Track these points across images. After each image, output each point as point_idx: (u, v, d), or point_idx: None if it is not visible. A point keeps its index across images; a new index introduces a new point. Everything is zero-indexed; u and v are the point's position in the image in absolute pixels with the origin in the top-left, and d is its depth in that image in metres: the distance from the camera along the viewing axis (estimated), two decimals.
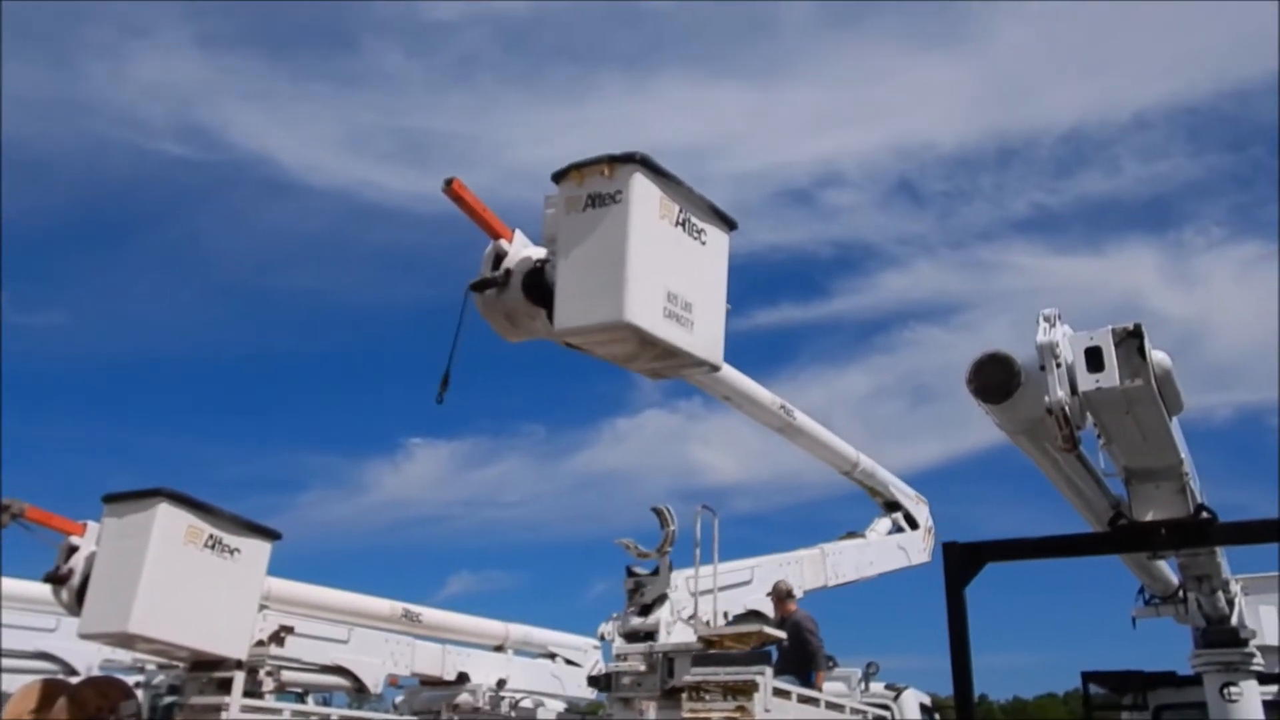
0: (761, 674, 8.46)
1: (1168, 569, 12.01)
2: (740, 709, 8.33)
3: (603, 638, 9.60)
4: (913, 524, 14.64)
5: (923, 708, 14.32)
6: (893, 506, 14.59)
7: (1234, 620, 11.39)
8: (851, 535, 13.86)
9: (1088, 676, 12.79)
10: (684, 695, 8.61)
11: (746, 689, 8.42)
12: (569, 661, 15.13)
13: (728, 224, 6.55)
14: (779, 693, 8.69)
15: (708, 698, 8.63)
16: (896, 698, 13.38)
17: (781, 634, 9.49)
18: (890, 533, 14.37)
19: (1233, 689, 10.85)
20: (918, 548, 14.58)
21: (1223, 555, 10.51)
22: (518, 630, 14.53)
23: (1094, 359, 6.73)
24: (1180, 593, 12.40)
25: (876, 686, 13.66)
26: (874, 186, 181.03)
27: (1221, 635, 11.14)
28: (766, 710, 8.36)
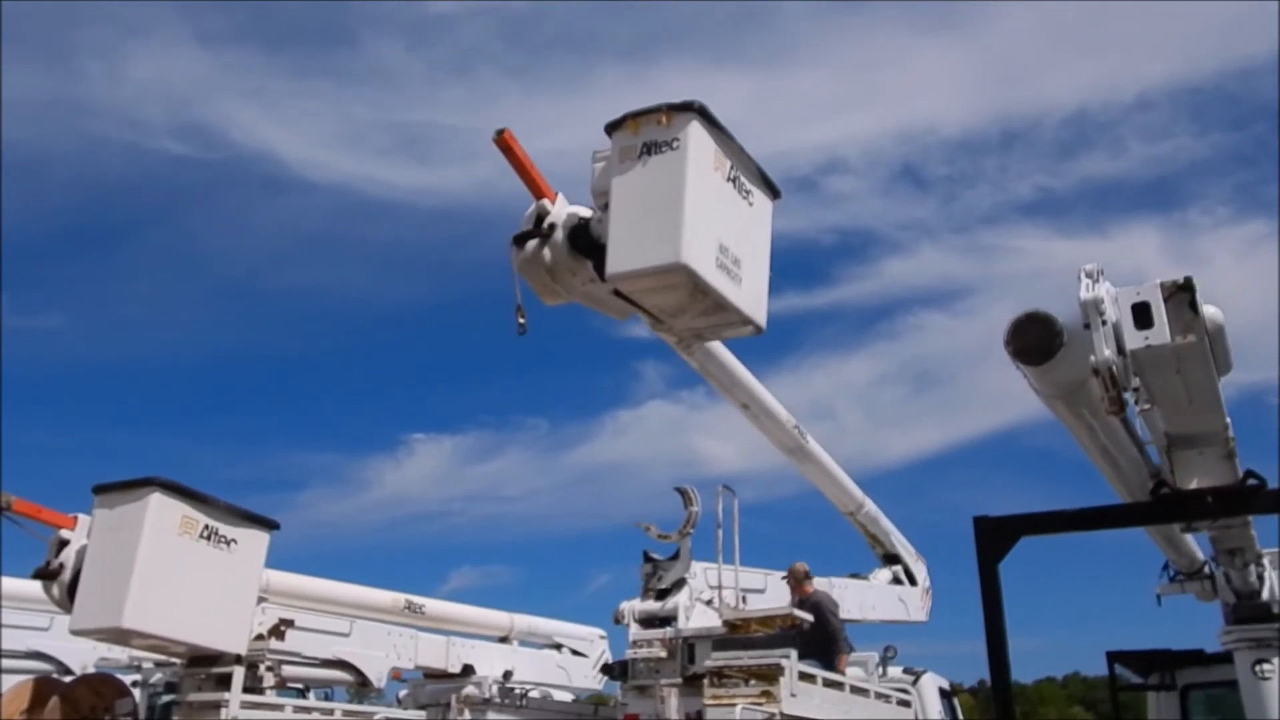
0: (786, 657, 8.12)
1: (1194, 543, 11.72)
2: (765, 694, 7.99)
3: (617, 620, 9.26)
4: (911, 580, 14.62)
5: (941, 692, 14.03)
6: (892, 559, 14.57)
7: (1265, 595, 11.11)
8: (855, 576, 13.82)
9: (1113, 656, 12.48)
10: (706, 681, 8.26)
11: (771, 674, 8.08)
12: (575, 652, 14.77)
13: (773, 191, 6.56)
14: (804, 677, 8.35)
15: (730, 683, 8.27)
16: (915, 682, 13.05)
17: (809, 616, 9.13)
18: (890, 583, 14.35)
19: (1265, 666, 10.57)
20: (917, 605, 14.63)
21: (1254, 528, 10.21)
22: (522, 621, 14.17)
23: (1142, 315, 6.35)
24: (1205, 568, 12.12)
25: (894, 670, 13.35)
26: (876, 172, 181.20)
27: (1253, 610, 10.89)
28: (792, 695, 8.03)
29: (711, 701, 8.08)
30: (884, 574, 14.36)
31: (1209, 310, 6.47)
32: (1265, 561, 11.21)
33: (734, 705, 7.91)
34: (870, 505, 13.72)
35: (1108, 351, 6.32)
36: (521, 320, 6.39)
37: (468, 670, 12.67)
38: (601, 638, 15.10)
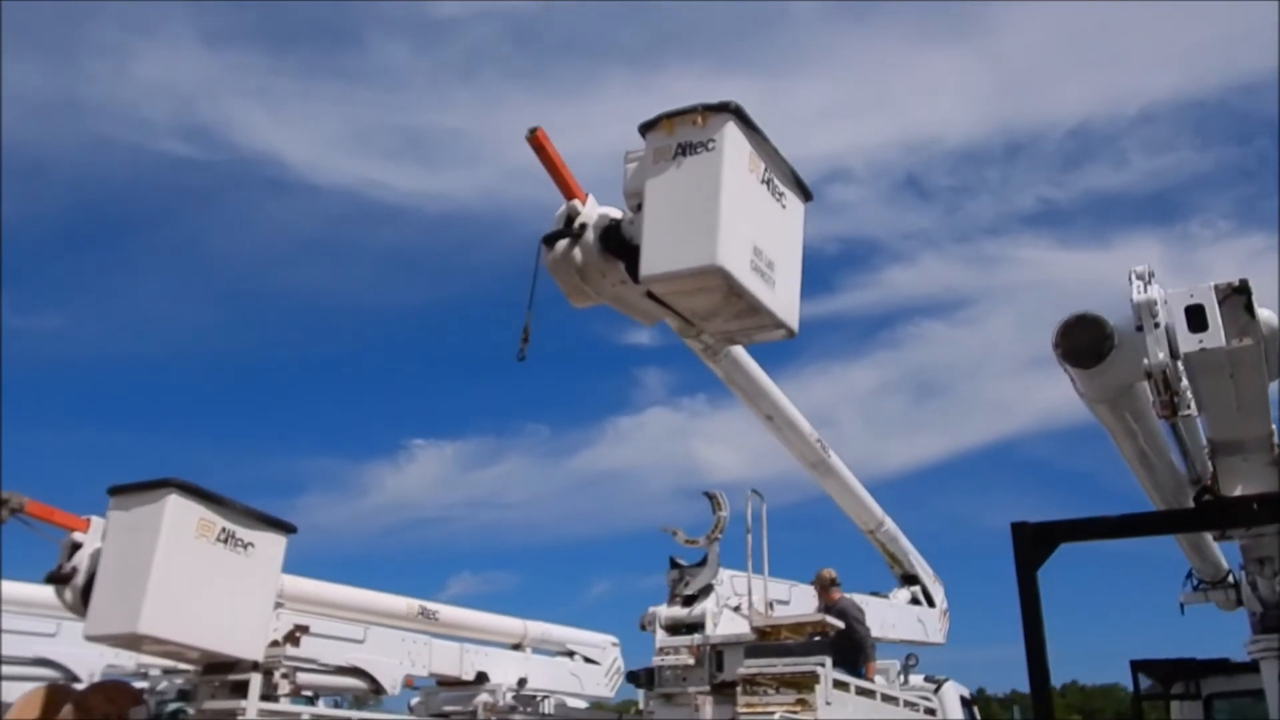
0: (822, 665, 7.95)
1: (1219, 552, 11.61)
2: (801, 702, 7.81)
3: (643, 627, 9.11)
4: (930, 601, 14.51)
5: (963, 700, 13.91)
6: (910, 580, 14.45)
7: None
8: (875, 595, 13.65)
9: (1137, 665, 12.36)
10: (738, 689, 8.08)
11: (807, 682, 7.89)
12: (587, 659, 14.61)
13: (805, 194, 6.54)
14: (837, 685, 8.18)
15: (761, 691, 8.10)
16: (937, 690, 12.94)
17: (840, 623, 8.97)
18: (909, 604, 14.23)
19: None
20: (935, 626, 14.50)
21: None
22: (536, 628, 13.97)
23: (1196, 318, 6.22)
24: (1229, 577, 11.99)
25: (916, 679, 13.24)
26: (880, 182, 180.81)
27: None
28: (827, 703, 7.85)
29: (746, 710, 7.91)
30: (903, 594, 14.21)
31: (1264, 314, 6.34)
32: None
33: (772, 713, 7.74)
34: (890, 524, 13.59)
35: (1161, 354, 6.19)
36: (524, 345, 6.39)
37: (481, 678, 12.49)
38: (614, 645, 14.95)
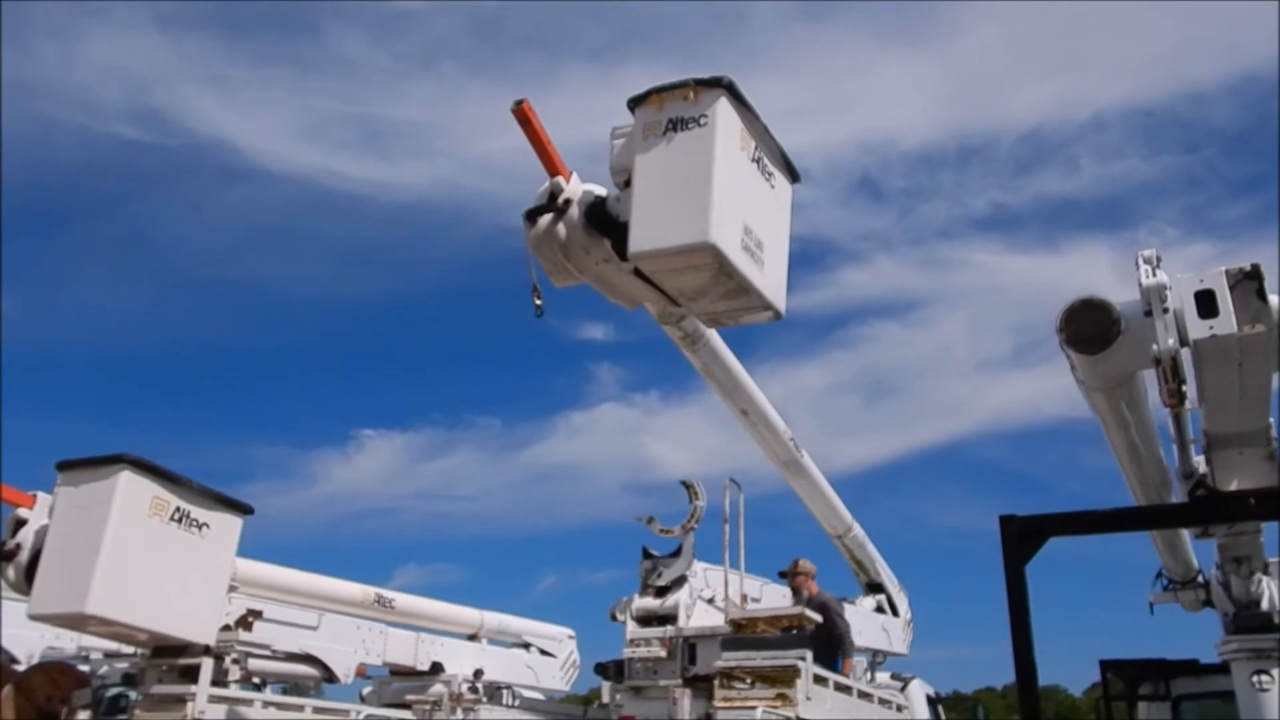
0: (803, 659, 7.72)
1: (1191, 551, 11.54)
2: (781, 697, 7.58)
3: (614, 617, 8.86)
4: (894, 611, 14.44)
5: (928, 699, 13.81)
6: (875, 588, 14.37)
7: (1265, 605, 10.90)
8: (841, 600, 13.43)
9: (1106, 665, 12.28)
10: (715, 683, 7.84)
11: (787, 676, 7.67)
12: (543, 652, 14.35)
13: (793, 175, 6.39)
14: (817, 680, 7.97)
15: (740, 685, 7.86)
16: (903, 688, 12.80)
17: (818, 616, 8.76)
18: (874, 612, 14.15)
19: (1264, 677, 10.37)
20: (899, 636, 14.43)
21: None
22: (493, 618, 13.70)
23: (1206, 303, 6.03)
24: (1199, 577, 11.94)
25: (882, 676, 13.13)
26: (836, 182, 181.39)
27: (1255, 620, 10.66)
28: (808, 699, 7.63)
29: (724, 704, 7.68)
30: (868, 602, 14.11)
31: (1275, 300, 6.15)
32: (1274, 570, 11.03)
33: (754, 708, 7.51)
34: (858, 529, 13.49)
35: (1171, 341, 6.00)
36: (539, 302, 6.28)
37: (436, 668, 12.20)
38: (570, 638, 14.75)
